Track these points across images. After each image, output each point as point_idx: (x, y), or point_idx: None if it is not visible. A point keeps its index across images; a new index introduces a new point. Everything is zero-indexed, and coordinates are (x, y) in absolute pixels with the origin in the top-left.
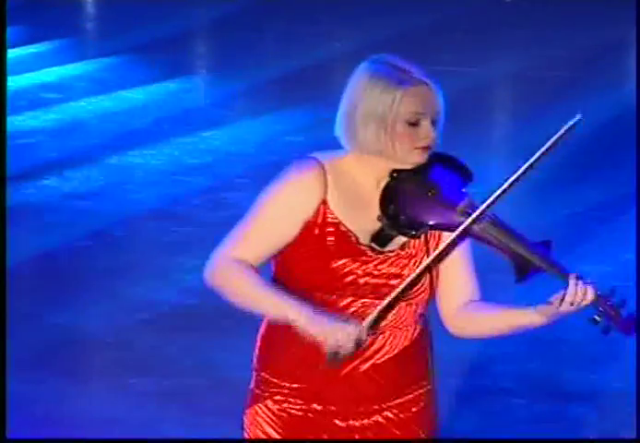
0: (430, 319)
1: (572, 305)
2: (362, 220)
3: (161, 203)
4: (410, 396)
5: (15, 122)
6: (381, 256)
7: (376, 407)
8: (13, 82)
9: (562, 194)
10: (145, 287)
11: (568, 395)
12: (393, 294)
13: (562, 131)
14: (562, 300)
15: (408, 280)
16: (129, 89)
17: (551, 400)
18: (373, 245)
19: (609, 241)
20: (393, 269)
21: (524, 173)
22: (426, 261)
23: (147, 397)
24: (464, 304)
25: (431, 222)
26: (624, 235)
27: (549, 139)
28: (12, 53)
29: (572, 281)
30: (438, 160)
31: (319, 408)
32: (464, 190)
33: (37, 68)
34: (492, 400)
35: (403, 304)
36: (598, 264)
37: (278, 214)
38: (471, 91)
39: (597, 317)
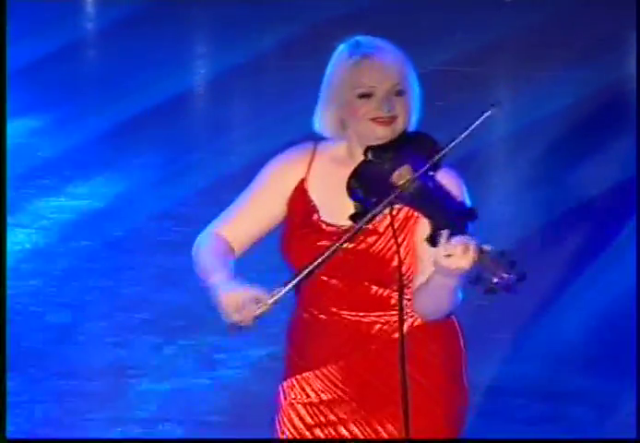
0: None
1: (452, 257)
2: (340, 201)
3: (162, 203)
4: (389, 389)
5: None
6: (339, 231)
7: (356, 398)
8: None
9: (561, 194)
10: (145, 287)
11: (568, 395)
12: (305, 272)
13: (478, 122)
14: (442, 248)
15: (323, 256)
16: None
17: (551, 400)
18: (331, 221)
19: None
20: (350, 245)
21: (443, 156)
22: (352, 230)
23: (146, 397)
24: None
25: (376, 197)
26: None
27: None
28: None
29: (444, 233)
30: (412, 137)
31: (338, 393)
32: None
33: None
34: (492, 400)
35: (380, 287)
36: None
37: (263, 194)
38: (471, 91)
39: (479, 277)
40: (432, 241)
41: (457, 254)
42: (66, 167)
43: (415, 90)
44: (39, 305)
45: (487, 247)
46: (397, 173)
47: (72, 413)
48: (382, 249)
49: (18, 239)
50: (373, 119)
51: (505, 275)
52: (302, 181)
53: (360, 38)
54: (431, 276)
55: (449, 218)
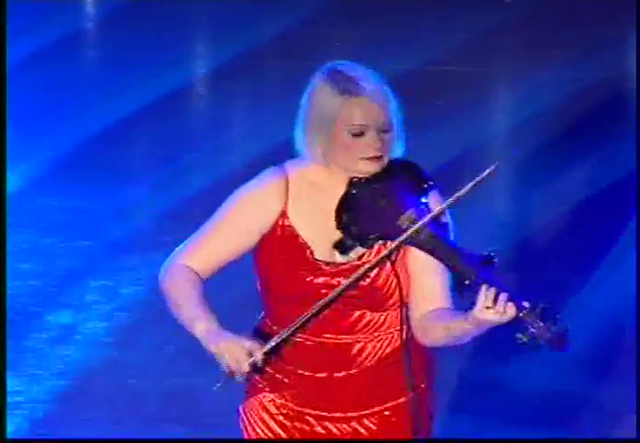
0: None
1: (493, 317)
2: (325, 229)
3: (162, 203)
4: (390, 404)
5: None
6: (335, 269)
7: (353, 415)
8: None
9: (561, 195)
10: (145, 287)
11: (568, 395)
12: (297, 323)
13: (479, 178)
14: (485, 311)
15: (317, 307)
16: (127, 89)
17: (551, 400)
18: (330, 256)
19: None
20: (363, 282)
21: (466, 193)
22: (355, 275)
23: (147, 397)
24: (428, 312)
25: (374, 234)
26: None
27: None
28: None
29: (483, 289)
30: (398, 168)
31: (298, 411)
32: (424, 200)
33: None
34: (492, 399)
35: (372, 312)
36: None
37: (235, 226)
38: (471, 91)
39: (520, 335)
40: (460, 290)
41: (499, 310)
42: (66, 166)
43: (398, 125)
44: (39, 305)
45: (526, 304)
46: (404, 216)
47: (72, 413)
48: (384, 281)
49: (19, 239)
50: (363, 158)
51: (548, 333)
52: (283, 213)
53: (342, 68)
54: (456, 322)
55: (469, 265)
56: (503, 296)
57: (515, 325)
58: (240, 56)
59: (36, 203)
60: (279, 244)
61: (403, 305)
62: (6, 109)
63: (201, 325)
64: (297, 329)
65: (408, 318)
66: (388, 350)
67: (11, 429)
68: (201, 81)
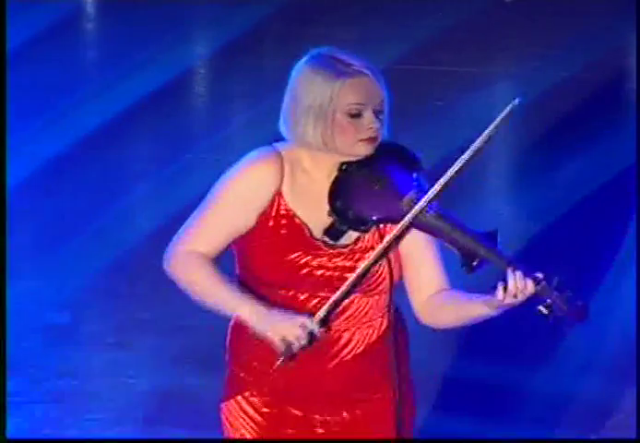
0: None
1: (515, 296)
2: (316, 213)
3: (162, 203)
4: (379, 395)
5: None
6: (334, 251)
7: (343, 403)
8: None
9: (560, 195)
10: (145, 287)
11: (568, 395)
12: (343, 288)
13: (498, 120)
14: (505, 291)
15: (357, 273)
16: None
17: (551, 400)
18: (325, 239)
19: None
20: (348, 263)
21: (465, 164)
22: (373, 254)
23: (147, 397)
24: (433, 293)
25: (375, 217)
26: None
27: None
28: None
29: (510, 271)
30: (387, 150)
31: (286, 404)
32: (414, 182)
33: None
34: (492, 399)
35: (363, 296)
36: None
37: (233, 205)
38: (471, 91)
39: (542, 309)
40: (470, 268)
41: (519, 291)
42: (66, 166)
43: (388, 108)
44: (39, 305)
45: (541, 276)
46: (406, 199)
47: (72, 413)
48: (377, 265)
49: (19, 238)
50: (362, 139)
51: (566, 304)
52: (279, 193)
53: (331, 52)
54: (474, 306)
55: (477, 243)
56: (528, 279)
57: (533, 300)
58: (240, 56)
59: (36, 202)
60: (274, 223)
61: (391, 290)
62: (6, 110)
63: (246, 308)
64: (344, 294)
65: (389, 305)
66: (374, 336)
67: (11, 429)
68: (201, 81)
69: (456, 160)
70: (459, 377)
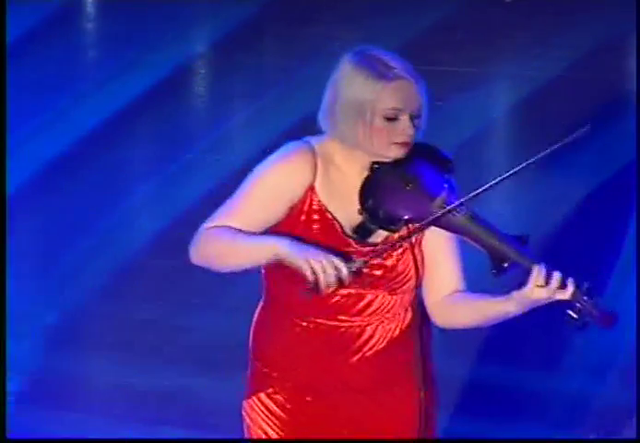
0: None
1: (544, 294)
2: (347, 210)
3: (162, 203)
4: (402, 391)
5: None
6: (365, 249)
7: (365, 399)
8: None
9: (560, 196)
10: (145, 287)
11: (568, 395)
12: (379, 248)
13: (560, 144)
14: (536, 290)
15: (399, 237)
16: (128, 88)
17: (551, 399)
18: (355, 236)
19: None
20: (376, 260)
21: (507, 177)
22: (396, 238)
23: (147, 397)
24: (448, 294)
25: (406, 217)
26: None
27: (550, 146)
28: None
29: (535, 269)
30: (420, 152)
31: (309, 399)
32: (445, 185)
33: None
34: (492, 399)
35: (388, 294)
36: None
37: (265, 196)
38: (471, 91)
39: (571, 313)
40: (499, 271)
41: (553, 287)
42: (65, 166)
43: (426, 112)
44: (39, 305)
45: (573, 281)
46: (438, 199)
47: (72, 413)
48: (405, 263)
49: (19, 238)
50: (396, 142)
51: (596, 310)
52: (312, 188)
53: (375, 53)
54: (491, 304)
55: (509, 245)
56: (557, 274)
57: (560, 303)
58: (240, 56)
59: (36, 202)
60: (306, 218)
61: (417, 287)
62: (6, 109)
63: (284, 241)
64: (375, 256)
65: (417, 301)
66: (397, 331)
67: (11, 429)
68: (201, 81)
69: (501, 174)
70: (459, 377)
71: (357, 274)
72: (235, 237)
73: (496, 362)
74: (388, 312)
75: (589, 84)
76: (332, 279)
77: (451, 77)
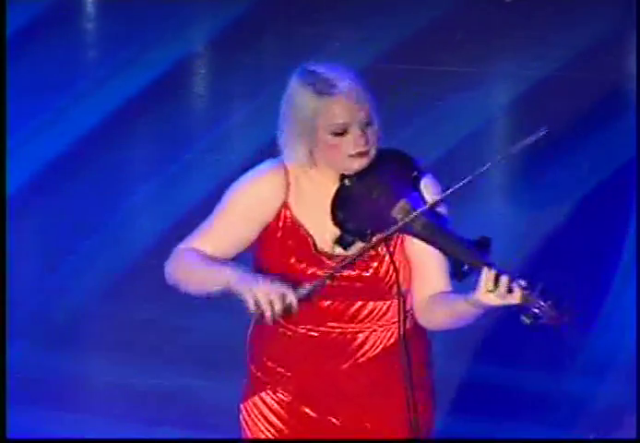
0: None
1: (494, 299)
2: (323, 224)
3: (162, 203)
4: (393, 399)
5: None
6: (335, 262)
7: (356, 405)
8: None
9: (559, 197)
10: (145, 287)
11: (568, 395)
12: (332, 270)
13: (517, 145)
14: (486, 292)
15: (344, 262)
16: (128, 88)
17: (551, 400)
18: (332, 249)
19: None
20: (353, 272)
21: (463, 185)
22: (347, 260)
23: (147, 397)
24: (429, 296)
25: (370, 228)
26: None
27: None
28: None
29: (484, 272)
30: (386, 158)
31: (301, 404)
32: (410, 189)
33: None
34: (492, 399)
35: (377, 300)
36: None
37: (236, 216)
38: (471, 91)
39: (524, 318)
40: (459, 276)
41: (502, 292)
42: (65, 166)
43: (377, 116)
44: (39, 305)
45: (525, 284)
46: (397, 207)
47: (72, 413)
48: (384, 271)
49: (19, 237)
50: (351, 155)
51: (552, 311)
52: (285, 204)
53: (315, 69)
54: (458, 303)
55: (467, 250)
56: (504, 278)
57: (516, 306)
58: (240, 56)
59: (36, 202)
60: (282, 234)
61: (400, 295)
62: (6, 109)
63: (235, 271)
64: (329, 277)
65: (406, 309)
66: (392, 340)
67: (11, 429)
68: (200, 81)
69: (463, 178)
70: (459, 377)
71: (308, 299)
72: (199, 263)
73: (496, 362)
74: (380, 319)
75: (589, 84)
76: (277, 309)
77: (450, 77)
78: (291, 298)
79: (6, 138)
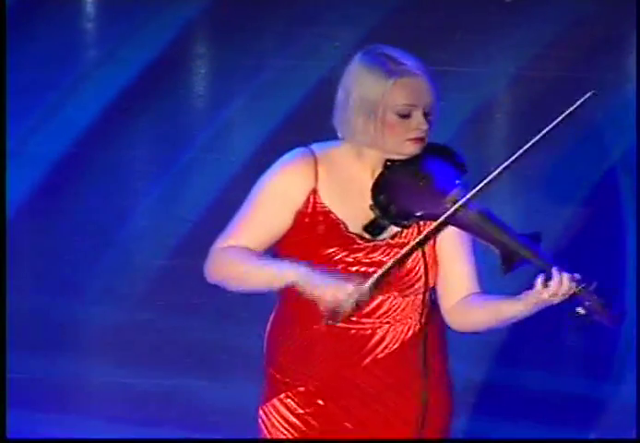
0: None
1: (555, 295)
2: (355, 209)
3: (162, 203)
4: (410, 393)
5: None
6: (371, 244)
7: (376, 401)
8: None
9: (559, 197)
10: (145, 287)
11: (568, 395)
12: (389, 263)
13: (564, 115)
14: (545, 286)
15: (404, 251)
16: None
17: (551, 400)
18: (363, 233)
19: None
20: (385, 258)
21: (510, 164)
22: (410, 244)
23: (147, 397)
24: (462, 298)
25: (418, 213)
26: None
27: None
28: None
29: (555, 272)
30: (432, 150)
31: (321, 403)
32: (457, 181)
33: None
34: (492, 399)
35: (398, 296)
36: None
37: (269, 205)
38: (471, 91)
39: (580, 310)
40: (508, 269)
41: (561, 291)
42: (65, 166)
43: (436, 109)
44: (40, 305)
45: (579, 278)
46: (450, 195)
47: (72, 413)
48: (414, 265)
49: (19, 237)
50: (410, 138)
51: (605, 307)
52: (314, 191)
53: (386, 51)
54: (504, 304)
55: (519, 243)
56: (566, 275)
57: (570, 301)
58: (240, 56)
59: (36, 202)
60: (311, 221)
61: (427, 290)
62: (6, 109)
63: (292, 270)
64: (384, 273)
65: (428, 303)
66: (409, 334)
67: (11, 429)
68: (200, 81)
69: (503, 161)
70: (458, 377)
71: (371, 292)
72: (250, 262)
73: (496, 362)
74: (399, 315)
75: (589, 84)
76: (348, 308)
77: (451, 77)
78: (362, 294)
79: (6, 139)
